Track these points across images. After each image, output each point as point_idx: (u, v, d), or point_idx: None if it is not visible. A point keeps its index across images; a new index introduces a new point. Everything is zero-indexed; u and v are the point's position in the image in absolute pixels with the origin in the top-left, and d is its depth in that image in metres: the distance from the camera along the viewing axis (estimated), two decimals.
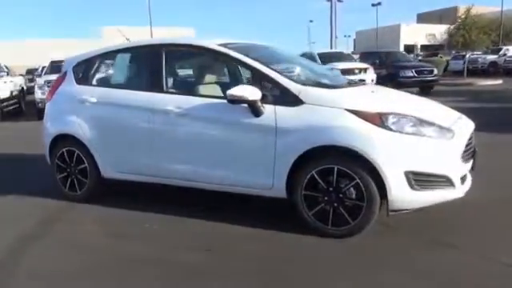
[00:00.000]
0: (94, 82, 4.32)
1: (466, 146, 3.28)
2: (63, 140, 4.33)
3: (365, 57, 17.15)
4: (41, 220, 3.90)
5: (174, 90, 3.83)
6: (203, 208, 3.89)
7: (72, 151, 4.28)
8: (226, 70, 4.00)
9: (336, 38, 30.17)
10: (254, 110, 3.31)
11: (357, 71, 14.47)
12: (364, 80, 14.45)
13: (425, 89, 15.14)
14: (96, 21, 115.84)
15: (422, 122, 3.14)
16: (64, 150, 4.32)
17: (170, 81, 3.83)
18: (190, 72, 4.00)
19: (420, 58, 28.48)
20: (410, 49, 43.86)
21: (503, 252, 2.91)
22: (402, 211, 3.18)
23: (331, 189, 3.17)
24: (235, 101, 3.28)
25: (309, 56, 16.30)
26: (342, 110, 3.15)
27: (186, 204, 4.00)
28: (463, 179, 3.29)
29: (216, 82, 4.02)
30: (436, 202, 3.19)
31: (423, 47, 47.70)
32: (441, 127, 3.17)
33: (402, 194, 3.05)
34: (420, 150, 3.07)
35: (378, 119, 3.09)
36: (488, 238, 3.16)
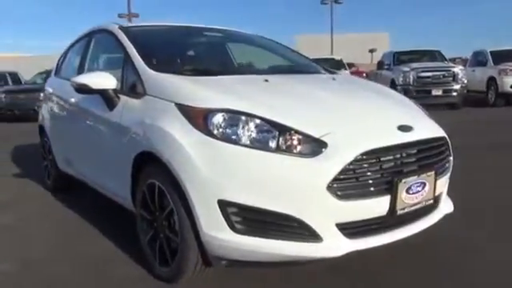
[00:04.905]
0: (59, 72, 4.29)
1: (363, 171, 1.92)
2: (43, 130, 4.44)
3: None
4: None
5: None
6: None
7: (46, 141, 4.36)
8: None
9: None
10: (107, 101, 2.68)
11: None
12: None
13: None
14: (287, 29, 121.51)
15: (273, 127, 1.96)
16: (44, 139, 4.43)
17: (91, 70, 3.46)
18: (107, 59, 3.56)
19: None
20: None
21: None
22: (241, 263, 2.06)
23: (158, 213, 2.30)
24: (81, 90, 2.70)
25: (480, 54, 13.50)
26: (171, 105, 2.22)
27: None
28: (354, 229, 1.95)
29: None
30: (285, 259, 1.95)
31: None
32: (307, 137, 1.93)
33: (217, 235, 1.96)
34: (251, 169, 1.91)
35: (202, 119, 2.05)
36: None
